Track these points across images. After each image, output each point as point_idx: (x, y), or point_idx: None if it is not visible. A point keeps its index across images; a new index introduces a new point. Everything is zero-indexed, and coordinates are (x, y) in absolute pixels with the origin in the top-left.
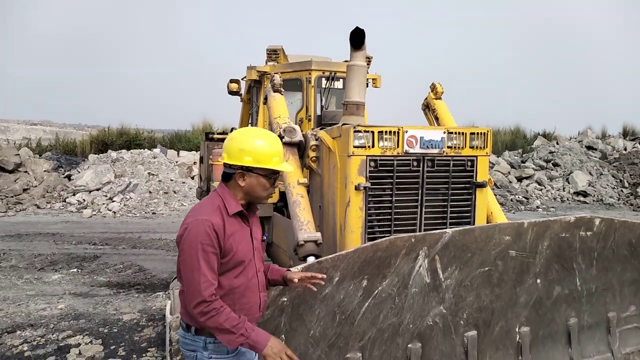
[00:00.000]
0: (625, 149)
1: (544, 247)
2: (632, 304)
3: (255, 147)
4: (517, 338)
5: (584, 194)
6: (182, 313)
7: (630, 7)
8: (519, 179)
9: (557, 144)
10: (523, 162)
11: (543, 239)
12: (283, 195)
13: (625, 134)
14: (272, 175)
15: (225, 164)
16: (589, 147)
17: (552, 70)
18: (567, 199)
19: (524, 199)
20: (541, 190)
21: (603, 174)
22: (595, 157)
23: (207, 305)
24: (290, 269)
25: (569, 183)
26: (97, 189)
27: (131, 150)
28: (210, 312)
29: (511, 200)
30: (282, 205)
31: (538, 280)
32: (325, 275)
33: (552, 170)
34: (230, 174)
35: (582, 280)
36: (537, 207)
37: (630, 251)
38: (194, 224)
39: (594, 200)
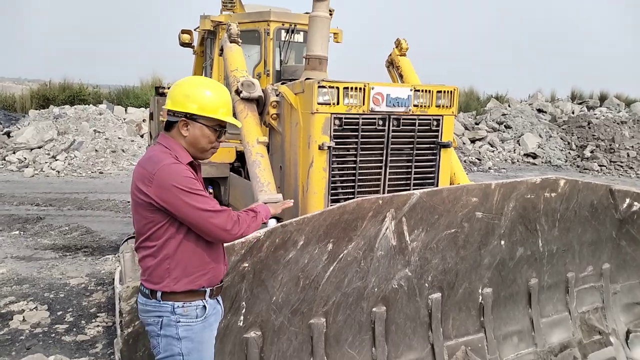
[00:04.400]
0: (573, 112)
1: (509, 208)
2: (589, 265)
3: (202, 94)
4: (480, 299)
5: (534, 155)
6: (143, 279)
7: None
8: (472, 141)
9: (509, 106)
10: (477, 124)
11: (509, 200)
12: (240, 155)
13: (573, 97)
14: (218, 128)
15: (168, 112)
16: (540, 110)
17: (504, 34)
18: (518, 161)
19: (476, 160)
20: (493, 151)
21: (552, 137)
22: (545, 119)
23: (235, 233)
24: None
25: (519, 145)
26: (39, 147)
27: (75, 106)
28: (242, 232)
29: (464, 161)
30: (239, 166)
31: (502, 242)
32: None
33: (504, 132)
34: (173, 122)
35: (544, 242)
36: (489, 168)
37: (591, 212)
38: (165, 168)
39: (542, 162)
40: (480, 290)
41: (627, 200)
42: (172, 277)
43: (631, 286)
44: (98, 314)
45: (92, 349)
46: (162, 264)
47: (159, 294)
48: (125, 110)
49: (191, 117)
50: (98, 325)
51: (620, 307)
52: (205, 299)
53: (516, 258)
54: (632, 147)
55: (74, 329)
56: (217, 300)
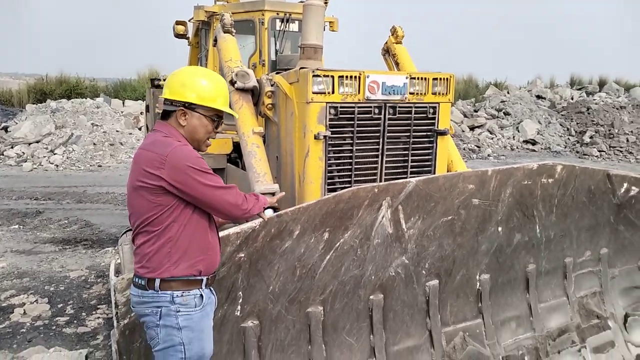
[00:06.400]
0: (572, 98)
1: (506, 194)
2: (587, 250)
3: (200, 84)
4: (477, 285)
5: (533, 142)
6: (140, 267)
7: None
8: (472, 128)
9: (508, 93)
10: (475, 111)
11: (506, 186)
12: (237, 146)
13: (572, 83)
14: (216, 118)
15: (165, 101)
16: (539, 97)
17: (503, 21)
18: (517, 147)
19: (475, 147)
20: (492, 138)
21: (551, 123)
22: (544, 106)
23: (245, 209)
24: None
25: (518, 131)
26: (37, 141)
27: (72, 100)
28: (249, 209)
29: (463, 149)
30: (237, 157)
31: (499, 228)
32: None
33: (503, 119)
34: (171, 111)
35: (542, 227)
36: (488, 155)
37: (588, 197)
38: (178, 150)
39: (542, 148)
40: (477, 277)
41: (625, 185)
42: (172, 261)
43: (629, 270)
44: (98, 306)
45: (93, 341)
46: (163, 248)
47: (157, 283)
48: (123, 103)
49: (189, 107)
50: (99, 317)
51: (619, 291)
52: (201, 288)
53: (513, 244)
54: (632, 132)
55: (75, 321)
56: (211, 290)
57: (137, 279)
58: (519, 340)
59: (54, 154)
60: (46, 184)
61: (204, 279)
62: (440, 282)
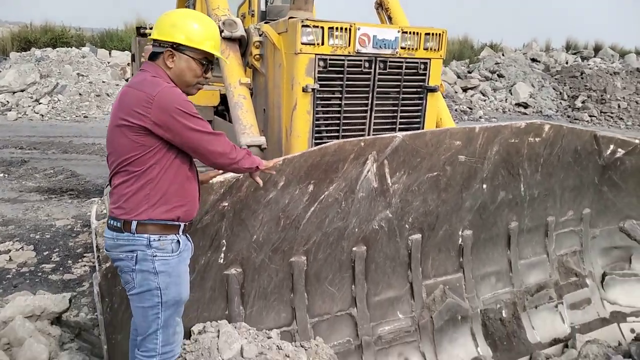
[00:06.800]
0: (567, 63)
1: (492, 152)
2: (570, 209)
3: (190, 25)
4: (460, 241)
5: (525, 105)
6: (116, 207)
7: None
8: (464, 89)
9: (503, 55)
10: (469, 72)
11: (493, 144)
12: (224, 98)
13: (568, 47)
14: (205, 62)
15: (154, 42)
16: (533, 60)
17: None
18: (509, 110)
19: (467, 109)
20: (484, 100)
21: (544, 86)
22: (538, 69)
23: (233, 158)
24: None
25: (511, 94)
26: (22, 90)
27: (57, 49)
28: (238, 160)
29: (455, 110)
30: (224, 109)
31: (484, 186)
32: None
33: (496, 81)
34: (159, 53)
35: (526, 186)
36: (480, 117)
37: (574, 158)
38: (166, 91)
39: (533, 112)
40: (460, 232)
41: (611, 147)
42: (150, 203)
43: (610, 231)
44: (85, 254)
45: (79, 287)
46: (142, 190)
47: (133, 225)
48: (109, 53)
49: (177, 48)
50: (85, 265)
51: (598, 250)
52: (178, 234)
53: (497, 202)
54: (624, 98)
55: (61, 269)
56: (188, 237)
57: (112, 221)
58: (498, 295)
59: (39, 104)
60: (31, 133)
61: (182, 225)
62: (423, 236)
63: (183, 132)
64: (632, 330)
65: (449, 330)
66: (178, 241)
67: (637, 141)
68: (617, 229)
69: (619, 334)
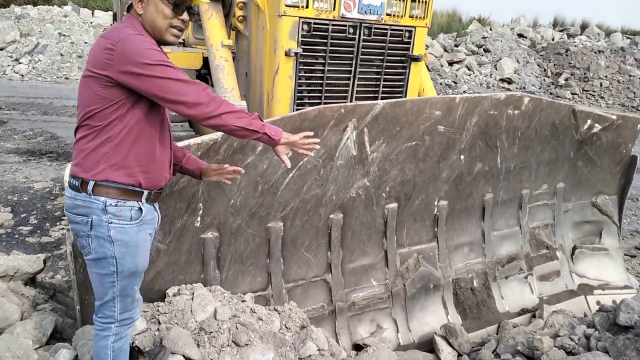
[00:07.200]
0: (553, 39)
1: (471, 123)
2: (545, 183)
3: None
4: (435, 211)
5: (509, 80)
6: (75, 164)
7: None
8: (450, 63)
9: (491, 29)
10: (456, 45)
11: (472, 115)
12: (207, 62)
13: (555, 24)
14: (177, 1)
15: None
16: (520, 35)
17: None
18: (493, 85)
19: (452, 82)
20: (469, 75)
21: (529, 63)
22: (524, 45)
23: (211, 111)
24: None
25: (496, 69)
26: (1, 49)
27: (38, 7)
28: (220, 113)
29: (440, 83)
30: (206, 73)
31: (462, 157)
32: (242, 170)
33: (482, 55)
34: (131, 2)
35: (503, 158)
36: (464, 91)
37: (551, 132)
38: (130, 39)
39: (517, 88)
40: (436, 203)
41: (589, 122)
42: (109, 162)
43: (583, 205)
44: (63, 217)
45: (56, 250)
46: (102, 147)
47: (90, 186)
48: (92, 13)
49: None
50: (63, 228)
51: (570, 224)
52: (141, 201)
53: (474, 173)
54: (606, 76)
55: (38, 231)
56: (155, 207)
57: (71, 179)
58: (470, 265)
59: (19, 63)
60: (10, 93)
61: (145, 192)
62: (400, 205)
63: (145, 81)
64: (598, 303)
65: (421, 298)
66: (140, 209)
67: (614, 117)
68: (590, 203)
69: (586, 306)
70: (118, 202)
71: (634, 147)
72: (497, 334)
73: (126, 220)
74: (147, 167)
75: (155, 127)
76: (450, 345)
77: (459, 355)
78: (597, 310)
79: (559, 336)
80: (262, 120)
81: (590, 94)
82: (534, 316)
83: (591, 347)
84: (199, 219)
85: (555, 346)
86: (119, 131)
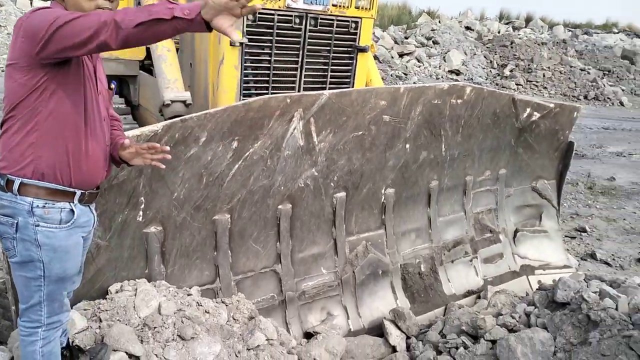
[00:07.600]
0: (499, 32)
1: (416, 113)
2: (487, 169)
3: None
4: (382, 199)
5: (457, 72)
6: (0, 161)
7: None
8: (401, 55)
9: (439, 22)
10: (406, 38)
11: (417, 104)
12: (150, 52)
13: (501, 17)
14: None
15: None
16: (467, 28)
17: None
18: (442, 77)
19: (402, 74)
20: (419, 67)
21: (476, 54)
22: (471, 37)
23: (108, 36)
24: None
25: (445, 61)
26: None
27: None
28: (125, 17)
29: (391, 75)
30: (150, 64)
31: (407, 145)
32: (168, 148)
33: (431, 47)
34: None
35: (447, 146)
36: (414, 83)
37: (493, 120)
38: (38, 11)
39: (465, 79)
40: (383, 191)
41: (528, 110)
42: (37, 154)
43: (523, 190)
44: None
45: None
46: (28, 136)
47: (16, 185)
48: (31, 2)
49: None
50: None
51: (512, 208)
52: (73, 202)
53: (419, 161)
54: (549, 67)
55: None
56: (90, 209)
57: None
58: (417, 250)
59: None
60: None
61: (78, 192)
62: (348, 194)
63: (43, 30)
64: (539, 282)
65: (370, 284)
66: (71, 211)
67: (552, 105)
68: (530, 188)
69: (527, 286)
70: (46, 203)
71: (570, 133)
72: (444, 315)
73: (54, 223)
74: (78, 161)
75: (85, 117)
76: (399, 328)
77: (408, 337)
78: (537, 289)
79: (501, 315)
80: (173, 2)
81: (534, 85)
82: (478, 297)
83: (531, 323)
84: (140, 213)
85: (497, 324)
86: (45, 117)
